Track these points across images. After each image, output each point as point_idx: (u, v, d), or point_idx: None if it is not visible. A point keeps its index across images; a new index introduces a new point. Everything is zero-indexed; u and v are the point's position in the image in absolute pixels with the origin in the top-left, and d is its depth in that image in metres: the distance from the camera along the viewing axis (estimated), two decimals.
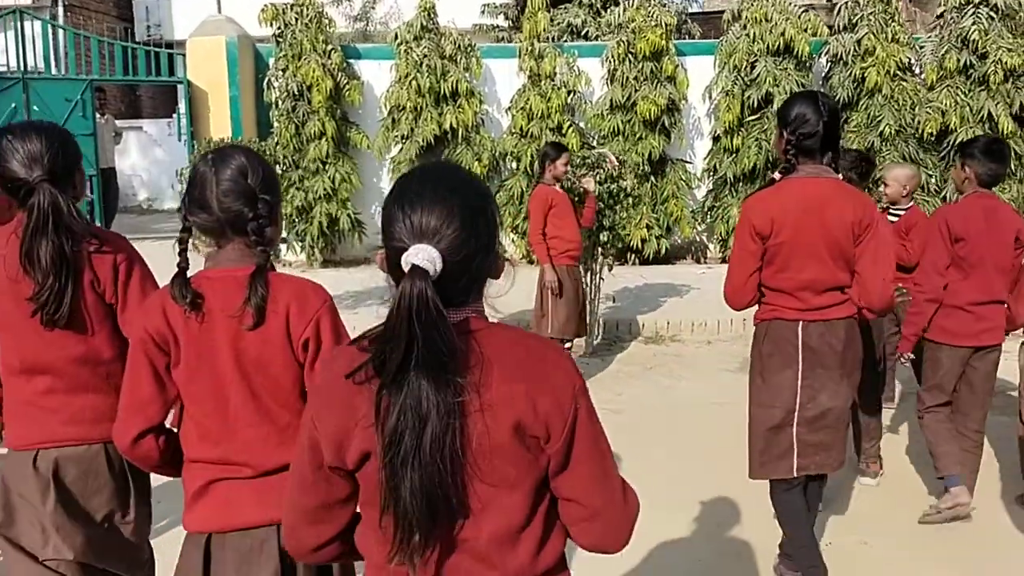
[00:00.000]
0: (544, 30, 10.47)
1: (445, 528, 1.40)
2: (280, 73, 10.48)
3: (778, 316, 3.20)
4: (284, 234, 9.37)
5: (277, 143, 10.28)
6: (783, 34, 10.10)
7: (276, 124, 10.51)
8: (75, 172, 2.36)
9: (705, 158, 10.98)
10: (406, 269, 1.35)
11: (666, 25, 10.25)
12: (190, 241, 2.02)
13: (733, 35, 10.55)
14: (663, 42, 10.24)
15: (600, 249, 6.87)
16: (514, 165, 10.66)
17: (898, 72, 10.21)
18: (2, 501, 2.34)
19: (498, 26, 16.81)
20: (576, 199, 6.23)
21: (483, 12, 16.70)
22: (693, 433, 5.30)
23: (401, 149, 10.51)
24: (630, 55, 10.43)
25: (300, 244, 10.70)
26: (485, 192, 1.50)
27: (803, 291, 3.14)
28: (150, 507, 2.53)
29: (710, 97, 10.85)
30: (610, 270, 7.25)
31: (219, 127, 10.46)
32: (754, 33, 10.28)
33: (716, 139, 10.78)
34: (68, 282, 2.23)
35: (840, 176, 3.27)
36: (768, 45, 10.19)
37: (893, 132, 10.14)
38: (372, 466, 1.40)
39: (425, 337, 1.31)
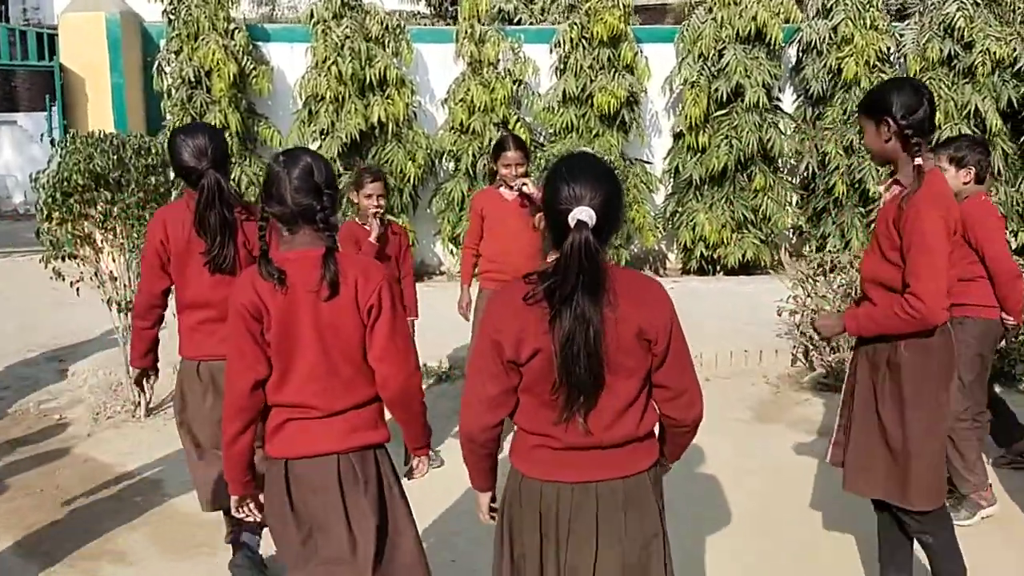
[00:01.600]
0: (485, 10, 9.10)
1: (595, 396, 2.10)
2: (173, 56, 8.84)
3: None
4: None
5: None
6: (755, 18, 9.01)
7: (168, 116, 8.81)
8: (228, 160, 3.36)
9: (665, 158, 9.82)
10: (572, 224, 2.00)
11: (624, 6, 9.02)
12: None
13: (697, 19, 9.39)
14: (622, 25, 9.02)
15: None
16: (452, 165, 9.27)
17: (877, 63, 9.26)
18: (179, 393, 3.40)
19: (419, 13, 15.36)
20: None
21: None
22: (729, 528, 4.04)
23: (320, 146, 8.97)
24: (584, 40, 9.17)
25: None
26: (616, 173, 2.19)
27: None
28: None
29: (671, 89, 9.68)
30: None
31: (99, 119, 8.69)
32: (722, 17, 9.15)
33: (678, 136, 9.64)
34: (229, 241, 3.25)
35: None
36: (738, 31, 9.09)
37: None
38: (538, 361, 2.08)
39: (590, 270, 1.99)
